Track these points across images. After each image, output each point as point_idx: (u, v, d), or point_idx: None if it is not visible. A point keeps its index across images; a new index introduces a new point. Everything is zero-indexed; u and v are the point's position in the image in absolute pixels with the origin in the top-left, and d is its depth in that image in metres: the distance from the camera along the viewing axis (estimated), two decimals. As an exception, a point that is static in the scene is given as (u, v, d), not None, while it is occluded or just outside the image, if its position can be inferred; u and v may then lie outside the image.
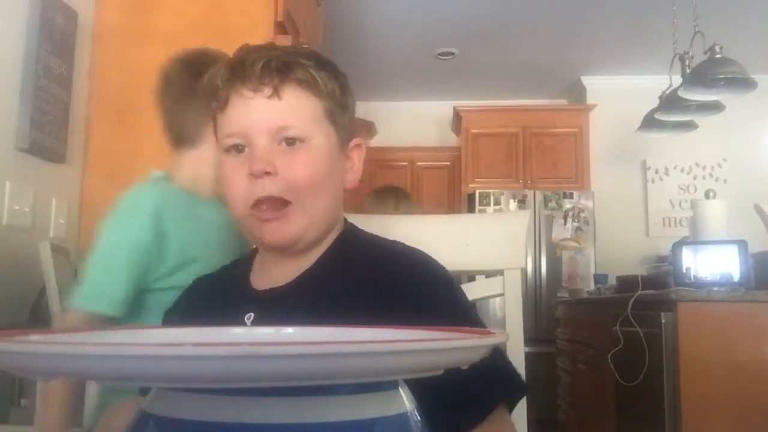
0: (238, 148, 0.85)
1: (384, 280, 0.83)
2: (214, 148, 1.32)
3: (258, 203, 0.83)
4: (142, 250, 1.31)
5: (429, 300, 0.82)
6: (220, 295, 0.91)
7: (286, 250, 0.87)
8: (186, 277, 1.04)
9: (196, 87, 1.25)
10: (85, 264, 1.36)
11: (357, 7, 4.23)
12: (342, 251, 0.89)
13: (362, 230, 0.94)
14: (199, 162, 1.42)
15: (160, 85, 1.48)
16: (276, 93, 0.83)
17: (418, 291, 0.82)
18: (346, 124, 0.90)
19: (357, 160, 0.94)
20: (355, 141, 0.93)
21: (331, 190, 0.88)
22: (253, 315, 0.82)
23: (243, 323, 0.81)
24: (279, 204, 0.83)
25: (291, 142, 0.84)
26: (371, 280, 0.83)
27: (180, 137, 1.44)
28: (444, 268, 0.87)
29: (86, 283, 1.29)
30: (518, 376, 0.83)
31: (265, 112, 0.83)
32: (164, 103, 1.47)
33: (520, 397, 0.83)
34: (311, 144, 0.85)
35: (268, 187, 0.82)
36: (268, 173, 0.82)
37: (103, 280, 1.29)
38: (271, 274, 0.90)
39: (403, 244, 0.90)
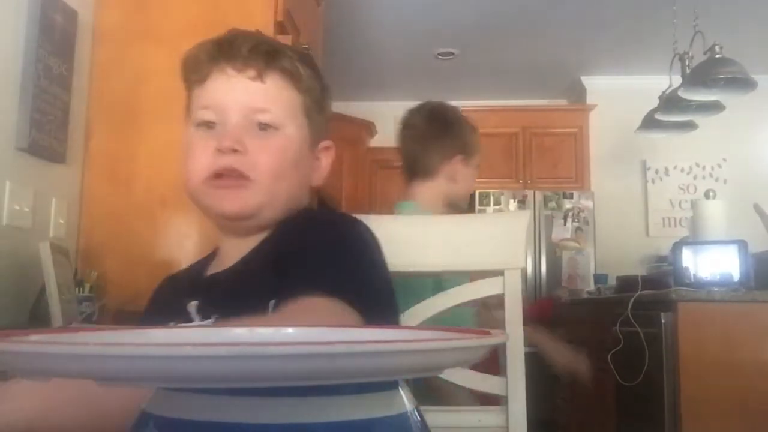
0: (209, 125, 0.84)
1: (284, 242, 0.82)
2: (446, 182, 1.75)
3: (217, 174, 0.82)
4: None
5: (300, 249, 0.78)
6: (179, 290, 0.90)
7: (240, 222, 0.86)
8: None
9: (433, 132, 1.76)
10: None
11: (357, 7, 4.23)
12: (282, 230, 0.87)
13: (316, 210, 0.92)
14: (434, 191, 1.73)
15: (401, 130, 1.84)
16: (260, 76, 0.84)
17: (296, 242, 0.80)
18: (320, 124, 0.91)
19: (325, 162, 0.94)
20: (325, 143, 0.94)
21: (294, 182, 0.87)
22: (197, 303, 0.81)
23: (188, 313, 0.80)
24: (239, 177, 0.82)
25: (264, 127, 0.84)
26: (279, 247, 0.82)
27: (416, 171, 1.76)
28: (356, 233, 0.82)
29: None
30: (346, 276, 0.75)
31: (245, 92, 0.84)
32: (404, 144, 1.81)
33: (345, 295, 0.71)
34: (283, 133, 0.85)
35: (232, 162, 0.82)
36: (236, 150, 0.81)
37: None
38: (223, 259, 0.89)
39: (334, 212, 0.89)
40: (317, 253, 0.78)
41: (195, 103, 0.87)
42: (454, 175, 1.78)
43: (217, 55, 0.85)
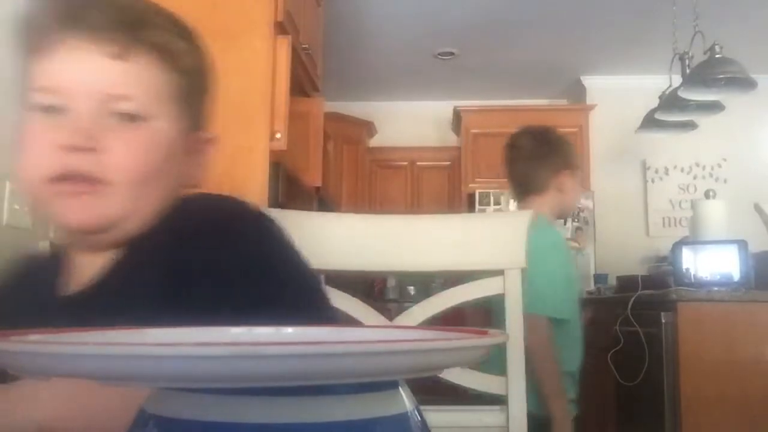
0: (50, 110, 0.65)
1: (179, 242, 0.67)
2: (556, 194, 1.95)
3: (62, 177, 0.65)
4: (572, 273, 1.89)
5: (226, 254, 0.66)
6: (24, 305, 0.73)
7: (94, 235, 0.68)
8: None
9: (541, 151, 1.97)
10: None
11: (357, 7, 4.23)
12: (163, 238, 0.69)
13: (194, 204, 0.74)
14: (548, 204, 1.94)
15: (509, 150, 2.07)
16: (121, 53, 0.66)
17: (211, 244, 0.67)
18: (201, 111, 0.75)
19: (207, 156, 0.77)
20: (207, 135, 0.77)
21: (165, 185, 0.70)
22: None
23: None
24: (91, 181, 0.65)
25: (125, 117, 0.66)
26: (171, 250, 0.67)
27: (528, 188, 1.98)
28: (261, 231, 0.70)
29: (546, 297, 1.71)
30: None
31: (101, 74, 0.66)
32: (514, 164, 2.03)
33: None
34: (152, 125, 0.68)
35: (82, 163, 0.64)
36: (87, 149, 0.64)
37: (561, 295, 1.78)
38: (76, 273, 0.72)
39: (220, 203, 0.72)
40: (234, 273, 0.65)
41: (32, 80, 0.67)
42: (562, 188, 1.97)
43: (65, 20, 0.65)
